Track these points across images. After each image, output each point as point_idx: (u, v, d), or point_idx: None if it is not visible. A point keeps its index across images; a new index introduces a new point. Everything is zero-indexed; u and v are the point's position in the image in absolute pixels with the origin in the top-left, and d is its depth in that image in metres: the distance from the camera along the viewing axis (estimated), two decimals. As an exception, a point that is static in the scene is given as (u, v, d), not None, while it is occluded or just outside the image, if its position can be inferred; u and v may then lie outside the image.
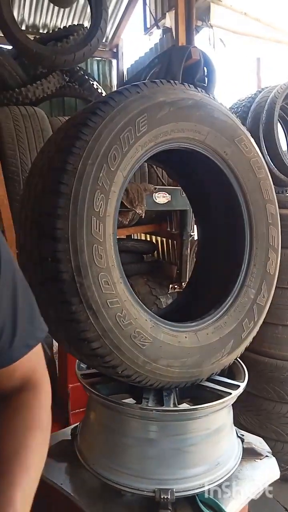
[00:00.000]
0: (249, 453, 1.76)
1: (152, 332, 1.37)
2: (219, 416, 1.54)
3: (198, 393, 1.60)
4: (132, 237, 4.92)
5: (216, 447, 1.54)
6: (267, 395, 3.19)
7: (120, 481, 1.48)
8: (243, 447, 1.75)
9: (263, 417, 3.23)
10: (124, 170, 1.31)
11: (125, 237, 4.75)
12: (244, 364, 3.33)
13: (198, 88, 1.55)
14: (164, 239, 4.48)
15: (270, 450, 1.83)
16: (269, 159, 3.21)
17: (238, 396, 3.46)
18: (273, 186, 1.78)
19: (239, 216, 1.71)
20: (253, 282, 1.71)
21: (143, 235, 4.92)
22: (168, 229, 3.83)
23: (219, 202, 1.81)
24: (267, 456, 1.78)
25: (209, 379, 1.62)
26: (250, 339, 1.68)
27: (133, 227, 4.00)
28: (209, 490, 1.50)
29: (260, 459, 1.77)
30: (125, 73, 4.79)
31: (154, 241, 4.76)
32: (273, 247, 1.76)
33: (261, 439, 1.92)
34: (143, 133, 1.34)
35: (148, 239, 4.89)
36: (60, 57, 3.08)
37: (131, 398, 1.62)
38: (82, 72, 3.98)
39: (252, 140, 1.70)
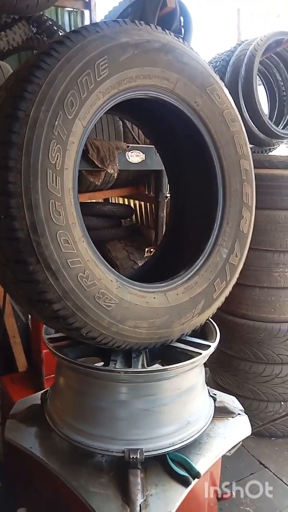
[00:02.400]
0: (222, 412, 1.77)
1: (118, 293, 1.31)
2: (189, 376, 1.52)
3: (169, 354, 1.57)
4: (110, 201, 4.80)
5: (186, 407, 1.53)
6: (244, 355, 3.23)
7: (89, 443, 1.46)
8: (215, 406, 1.76)
9: (240, 377, 3.29)
10: (84, 119, 1.20)
11: (102, 200, 4.64)
12: (222, 326, 3.35)
13: (166, 30, 1.42)
14: (142, 203, 4.38)
15: (242, 408, 1.85)
16: (248, 116, 3.10)
17: (216, 357, 3.49)
18: (247, 141, 1.69)
19: (212, 172, 1.63)
20: (226, 241, 1.65)
21: (121, 199, 4.80)
22: (146, 192, 3.73)
23: (191, 157, 1.72)
24: (239, 414, 1.80)
25: (180, 340, 1.59)
26: (222, 299, 1.64)
27: (109, 190, 3.88)
28: (179, 449, 1.50)
29: (232, 417, 1.78)
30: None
31: (132, 205, 4.65)
32: (247, 205, 1.69)
33: (234, 397, 1.93)
34: (104, 78, 1.23)
35: (127, 203, 4.78)
36: (22, 2, 2.83)
37: (100, 361, 1.58)
38: (51, 23, 3.71)
39: (225, 90, 1.60)
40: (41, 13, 3.53)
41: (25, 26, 3.48)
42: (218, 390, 3.39)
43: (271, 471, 2.92)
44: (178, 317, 1.48)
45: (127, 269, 3.85)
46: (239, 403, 1.89)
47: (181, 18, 3.05)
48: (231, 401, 1.88)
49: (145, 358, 1.54)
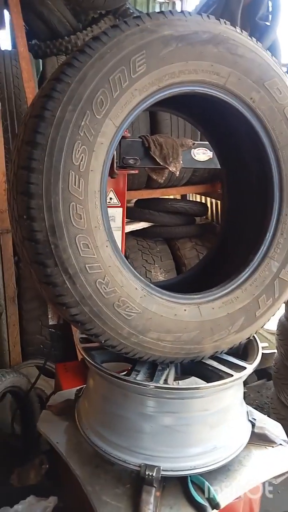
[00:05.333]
0: (260, 439, 1.62)
1: (142, 302, 1.24)
2: (219, 398, 1.41)
3: (201, 371, 1.47)
4: (188, 198, 4.70)
5: (214, 430, 1.42)
6: (310, 374, 2.95)
7: (108, 450, 1.43)
8: (253, 431, 1.61)
9: (305, 397, 3.01)
10: (116, 118, 1.15)
11: (179, 197, 4.55)
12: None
13: (221, 20, 1.29)
14: (219, 201, 4.20)
15: (286, 438, 1.67)
16: None
17: (282, 372, 3.24)
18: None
19: (268, 175, 1.47)
20: (278, 254, 1.48)
21: (198, 196, 4.67)
22: (219, 190, 3.55)
23: (246, 158, 1.56)
24: (280, 444, 1.63)
25: (215, 357, 1.48)
26: (267, 317, 1.48)
27: (183, 186, 3.79)
28: (202, 473, 1.40)
29: (272, 446, 1.61)
30: (188, 16, 4.37)
31: (209, 203, 4.49)
32: (307, 214, 1.50)
33: (279, 425, 1.75)
34: (141, 74, 1.15)
35: (203, 201, 4.63)
36: (99, -3, 2.84)
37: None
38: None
39: (290, 84, 1.42)
40: (127, 6, 3.54)
41: (111, 20, 3.50)
42: (281, 407, 3.18)
43: None
44: (211, 333, 1.36)
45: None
46: (283, 431, 1.71)
47: (270, 4, 2.81)
48: (275, 428, 1.71)
49: (175, 372, 1.46)
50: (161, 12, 1.20)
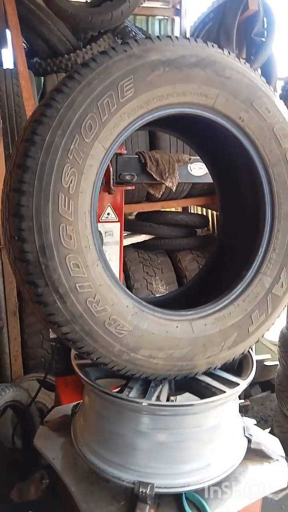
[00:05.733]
0: (257, 455, 1.61)
1: (133, 319, 1.26)
2: (213, 414, 1.41)
3: (194, 387, 1.48)
4: (189, 211, 4.73)
5: (207, 446, 1.42)
6: (312, 387, 2.93)
7: (103, 466, 1.44)
8: (250, 447, 1.60)
9: (307, 410, 2.99)
10: (105, 141, 1.18)
11: (180, 209, 4.58)
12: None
13: (208, 43, 1.33)
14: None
15: (283, 454, 1.66)
16: None
17: (284, 384, 3.21)
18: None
19: (259, 192, 1.49)
20: (271, 270, 1.49)
21: (199, 208, 4.69)
22: (220, 203, 3.57)
23: (237, 175, 1.59)
24: (277, 460, 1.62)
25: (210, 373, 1.48)
26: (260, 333, 1.49)
27: (183, 199, 3.82)
28: (199, 490, 1.40)
29: (269, 462, 1.61)
30: (188, 32, 4.45)
31: (210, 215, 4.51)
32: (299, 230, 1.51)
33: (277, 440, 1.74)
34: (129, 99, 1.19)
35: (205, 213, 4.65)
36: (96, 17, 2.91)
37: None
38: (135, 33, 3.76)
39: (279, 103, 1.44)
40: (126, 24, 3.61)
41: (110, 38, 3.58)
42: (284, 420, 3.15)
43: None
44: (203, 350, 1.37)
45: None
46: (280, 446, 1.70)
47: (265, 20, 2.86)
48: (272, 444, 1.70)
49: (169, 388, 1.46)
50: (149, 37, 1.24)
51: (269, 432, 3.27)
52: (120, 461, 1.41)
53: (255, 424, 1.79)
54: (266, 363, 4.04)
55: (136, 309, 1.28)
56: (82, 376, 1.44)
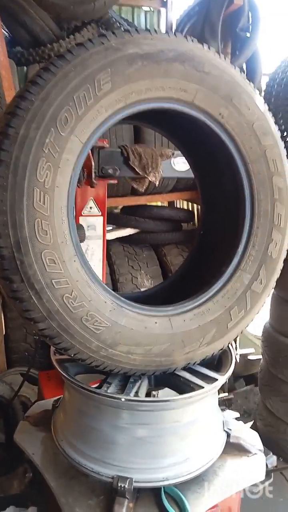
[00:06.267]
0: (235, 449, 1.63)
1: (111, 315, 1.25)
2: (191, 409, 1.42)
3: (173, 382, 1.48)
4: (175, 205, 4.73)
5: (185, 441, 1.43)
6: (295, 381, 2.97)
7: (82, 461, 1.44)
8: (229, 441, 1.62)
9: (289, 404, 3.03)
10: (82, 135, 1.16)
11: (166, 204, 4.58)
12: (274, 346, 3.11)
13: (188, 37, 1.31)
14: (205, 207, 4.22)
15: (261, 448, 1.68)
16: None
17: (266, 379, 3.25)
18: (284, 156, 1.51)
19: (239, 189, 1.49)
20: (250, 266, 1.50)
21: (185, 203, 4.70)
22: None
23: (218, 172, 1.59)
24: (256, 453, 1.64)
25: (189, 368, 1.49)
26: (239, 329, 1.50)
27: (169, 193, 3.82)
28: (175, 485, 1.41)
29: (247, 456, 1.63)
30: (174, 24, 4.40)
31: (195, 209, 4.52)
32: (279, 227, 1.52)
33: (255, 434, 1.76)
34: (106, 92, 1.17)
35: (191, 207, 4.66)
36: (78, 7, 2.87)
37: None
38: (119, 24, 3.71)
39: (259, 100, 1.44)
40: (110, 15, 3.57)
41: (94, 29, 3.53)
42: (267, 414, 3.19)
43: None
44: (182, 346, 1.38)
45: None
46: (259, 440, 1.72)
47: (250, 15, 2.85)
48: (251, 438, 1.72)
49: (148, 383, 1.47)
50: (127, 30, 1.22)
51: (252, 425, 3.34)
52: (99, 456, 1.41)
53: (238, 418, 1.81)
54: (250, 357, 4.09)
55: (114, 305, 1.27)
56: (61, 371, 1.43)
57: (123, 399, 1.31)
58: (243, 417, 3.58)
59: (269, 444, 1.81)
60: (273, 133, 1.46)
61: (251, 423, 3.39)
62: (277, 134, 1.49)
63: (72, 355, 1.25)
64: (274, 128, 1.48)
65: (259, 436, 1.74)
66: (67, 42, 3.27)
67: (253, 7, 2.84)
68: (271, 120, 1.47)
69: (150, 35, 1.23)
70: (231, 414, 1.79)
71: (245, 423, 3.38)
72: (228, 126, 1.40)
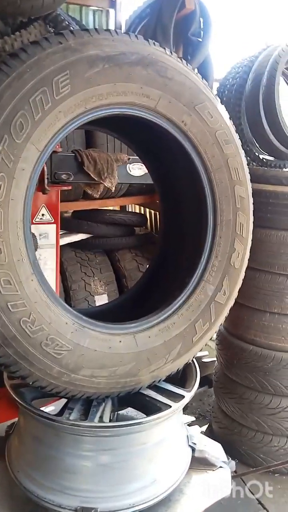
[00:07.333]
0: (201, 463, 1.59)
1: (73, 337, 1.16)
2: (158, 430, 1.36)
3: (138, 401, 1.41)
4: (127, 209, 4.66)
5: (152, 463, 1.37)
6: (249, 384, 3.01)
7: (41, 494, 1.32)
8: (194, 456, 1.58)
9: (244, 406, 3.06)
10: (39, 143, 1.06)
11: (118, 208, 4.50)
12: (229, 350, 3.14)
13: (149, 40, 1.25)
14: (158, 212, 4.20)
15: (226, 460, 1.66)
16: (268, 127, 2.86)
17: (221, 382, 3.27)
18: (245, 165, 1.50)
19: (201, 198, 1.45)
20: (213, 277, 1.47)
21: (137, 207, 4.65)
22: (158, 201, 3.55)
23: (180, 180, 1.54)
24: (221, 467, 1.61)
25: (153, 386, 1.43)
26: (203, 342, 1.46)
27: (121, 198, 3.74)
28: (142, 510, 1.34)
29: (213, 470, 1.60)
30: (123, 25, 4.35)
31: (148, 214, 4.49)
32: (241, 236, 1.50)
33: (219, 446, 1.74)
34: (65, 96, 1.08)
35: (143, 211, 4.62)
36: (25, 2, 2.72)
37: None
38: (68, 23, 3.60)
39: (221, 108, 1.41)
40: (58, 12, 3.43)
41: (41, 26, 3.37)
42: (222, 416, 3.21)
43: (269, 514, 2.69)
44: (147, 364, 1.31)
45: (136, 281, 3.69)
46: (223, 452, 1.70)
47: (201, 20, 2.85)
48: (215, 450, 1.69)
49: (112, 405, 1.39)
50: (86, 29, 1.13)
51: (207, 428, 3.35)
52: (60, 487, 1.31)
53: (193, 421, 1.79)
54: (204, 359, 4.12)
55: (76, 326, 1.18)
56: (17, 398, 1.31)
57: (86, 426, 1.22)
58: (199, 420, 3.60)
59: (225, 447, 1.80)
60: (235, 142, 1.44)
61: (206, 426, 3.42)
62: (238, 142, 1.47)
63: (30, 383, 1.14)
64: (236, 136, 1.46)
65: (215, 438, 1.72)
66: (13, 38, 3.07)
67: (204, 12, 2.84)
68: (232, 128, 1.45)
69: (111, 36, 1.16)
70: (187, 418, 1.75)
71: (200, 426, 3.39)
72: (191, 134, 1.36)
